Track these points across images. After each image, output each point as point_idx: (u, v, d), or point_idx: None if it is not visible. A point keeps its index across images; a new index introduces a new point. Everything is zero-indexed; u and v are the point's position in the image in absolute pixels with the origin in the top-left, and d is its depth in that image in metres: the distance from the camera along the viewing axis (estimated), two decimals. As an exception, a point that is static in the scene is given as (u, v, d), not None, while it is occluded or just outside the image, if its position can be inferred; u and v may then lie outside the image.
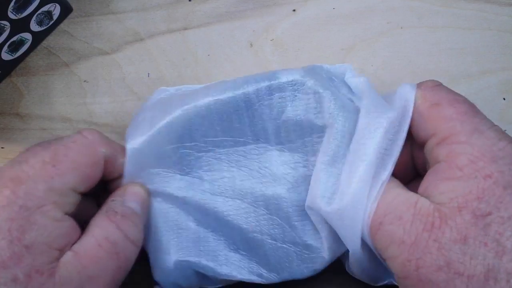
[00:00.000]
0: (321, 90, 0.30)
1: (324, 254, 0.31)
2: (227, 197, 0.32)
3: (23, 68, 0.39)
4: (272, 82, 0.31)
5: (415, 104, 0.29)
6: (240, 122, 0.31)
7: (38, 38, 0.37)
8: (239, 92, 0.31)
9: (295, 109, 0.31)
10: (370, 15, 0.38)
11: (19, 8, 0.32)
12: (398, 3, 0.38)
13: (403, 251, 0.25)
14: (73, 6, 0.37)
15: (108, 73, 0.39)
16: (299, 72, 0.31)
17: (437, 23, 0.38)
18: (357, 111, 0.30)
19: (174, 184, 0.32)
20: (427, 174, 0.27)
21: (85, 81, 0.39)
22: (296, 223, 0.31)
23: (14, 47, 0.35)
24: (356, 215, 0.27)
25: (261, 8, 0.39)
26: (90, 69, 0.39)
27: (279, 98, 0.31)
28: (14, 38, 0.34)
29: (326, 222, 0.30)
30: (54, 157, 0.28)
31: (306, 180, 0.31)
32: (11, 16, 0.32)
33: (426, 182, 0.27)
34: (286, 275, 0.32)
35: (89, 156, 0.29)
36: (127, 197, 0.30)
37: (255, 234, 0.32)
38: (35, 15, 0.34)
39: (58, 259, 0.26)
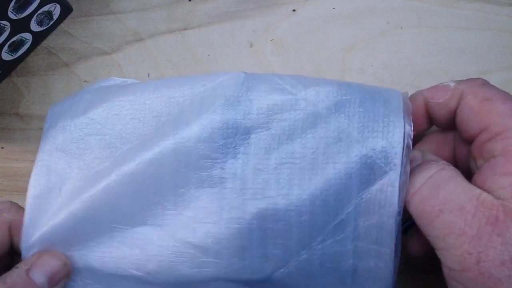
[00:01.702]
0: None
1: None
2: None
3: (23, 68, 0.39)
4: None
5: (465, 99, 0.28)
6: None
7: (38, 38, 0.37)
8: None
9: None
10: (370, 15, 0.38)
11: (19, 8, 0.32)
12: (398, 3, 0.38)
13: (463, 242, 0.24)
14: (73, 6, 0.37)
15: (108, 73, 0.39)
16: None
17: (437, 23, 0.38)
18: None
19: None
20: (482, 168, 0.27)
21: (85, 81, 0.39)
22: None
23: (14, 47, 0.35)
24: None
25: (261, 8, 0.39)
26: (90, 69, 0.39)
27: None
28: (14, 38, 0.34)
29: None
30: None
31: None
32: (11, 16, 0.32)
33: (483, 176, 0.26)
34: None
35: None
36: (34, 267, 0.27)
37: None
38: (35, 15, 0.34)
39: None
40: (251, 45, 0.39)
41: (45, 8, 0.34)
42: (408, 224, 0.31)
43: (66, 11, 0.36)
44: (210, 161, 0.29)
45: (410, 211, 0.27)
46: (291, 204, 0.28)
